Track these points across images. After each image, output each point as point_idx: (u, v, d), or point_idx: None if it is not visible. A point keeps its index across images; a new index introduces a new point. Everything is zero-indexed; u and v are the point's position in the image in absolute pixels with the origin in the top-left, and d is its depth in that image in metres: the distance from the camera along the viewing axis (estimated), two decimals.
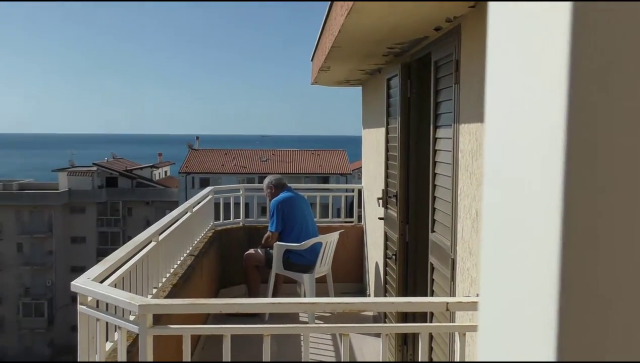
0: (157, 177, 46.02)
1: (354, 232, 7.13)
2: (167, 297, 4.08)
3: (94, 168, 42.77)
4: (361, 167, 7.75)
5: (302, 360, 2.76)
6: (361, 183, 7.47)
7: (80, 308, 2.83)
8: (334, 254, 6.10)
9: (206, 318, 5.14)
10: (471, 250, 2.99)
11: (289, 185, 6.34)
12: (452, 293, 3.27)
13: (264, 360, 2.65)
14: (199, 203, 5.89)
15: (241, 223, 7.07)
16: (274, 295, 5.91)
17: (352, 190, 7.74)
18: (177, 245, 4.80)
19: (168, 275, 4.44)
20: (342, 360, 2.71)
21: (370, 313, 5.79)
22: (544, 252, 0.40)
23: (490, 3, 0.48)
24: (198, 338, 4.93)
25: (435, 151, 3.68)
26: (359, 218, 7.33)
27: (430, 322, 3.59)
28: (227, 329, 2.68)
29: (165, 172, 49.20)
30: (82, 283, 2.82)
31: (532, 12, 0.43)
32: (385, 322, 4.95)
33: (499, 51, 0.47)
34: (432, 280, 3.77)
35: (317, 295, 5.69)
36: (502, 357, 0.46)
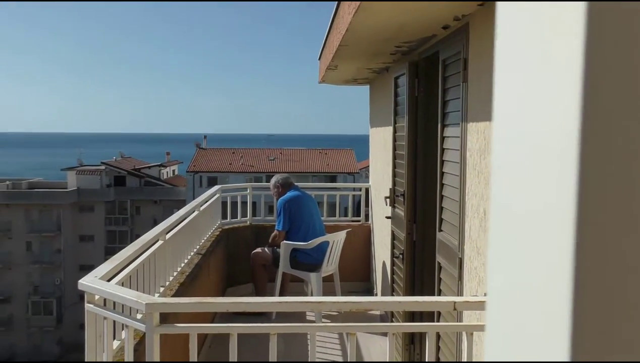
0: (165, 176, 46.17)
1: (361, 231, 7.12)
2: (174, 295, 4.09)
3: (103, 167, 42.96)
4: (369, 166, 7.74)
5: (309, 359, 2.75)
6: (369, 182, 7.45)
7: (88, 306, 2.83)
8: (341, 253, 6.09)
9: (213, 317, 5.15)
10: (479, 249, 2.97)
11: (296, 184, 6.33)
12: (460, 293, 3.26)
13: (270, 359, 2.65)
14: (206, 202, 5.90)
15: (248, 222, 7.07)
16: (280, 294, 5.91)
17: (360, 189, 7.73)
18: (185, 244, 4.81)
19: (175, 273, 4.44)
20: (349, 360, 2.71)
21: (377, 313, 5.78)
22: (558, 251, 0.40)
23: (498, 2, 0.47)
24: (205, 337, 4.94)
25: (443, 150, 3.67)
26: (366, 217, 7.32)
27: (438, 321, 3.58)
28: (234, 328, 2.68)
29: (173, 171, 49.35)
30: (90, 282, 2.82)
31: (543, 9, 0.42)
32: (392, 321, 4.94)
33: (508, 48, 0.47)
34: (440, 279, 3.75)
35: (324, 294, 5.69)
36: (511, 357, 0.45)
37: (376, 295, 6.50)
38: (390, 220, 5.30)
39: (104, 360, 2.84)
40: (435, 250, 3.82)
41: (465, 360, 2.68)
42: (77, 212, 40.98)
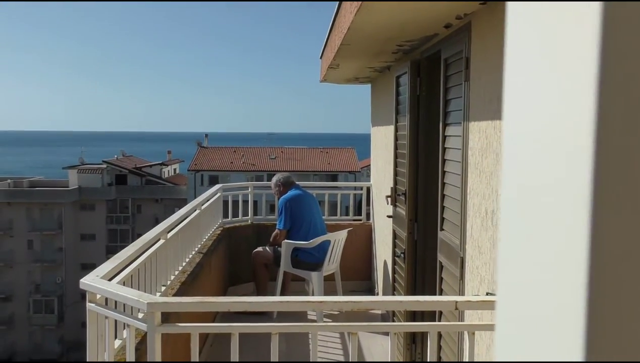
0: (166, 175, 46.20)
1: (362, 230, 7.11)
2: (175, 294, 4.08)
3: (104, 165, 43.00)
4: (370, 165, 7.73)
5: (310, 359, 2.75)
6: (370, 181, 7.45)
7: (89, 306, 2.83)
8: (342, 252, 6.09)
9: (214, 316, 5.15)
10: (480, 248, 2.97)
11: (297, 183, 6.33)
12: (461, 292, 3.25)
13: (272, 359, 2.64)
14: (207, 201, 5.89)
15: (250, 221, 7.07)
16: (282, 293, 5.91)
17: (361, 188, 7.73)
18: (186, 243, 4.81)
19: (177, 272, 4.44)
20: (350, 359, 2.70)
21: (379, 312, 5.78)
22: (571, 248, 0.39)
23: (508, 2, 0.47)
24: (206, 336, 4.94)
25: (444, 149, 3.66)
26: (368, 216, 7.31)
27: (439, 320, 3.58)
28: (235, 327, 2.67)
29: (175, 169, 49.38)
30: (91, 281, 2.82)
31: (557, 8, 0.41)
32: (393, 321, 4.94)
33: (519, 47, 0.46)
34: (441, 278, 3.75)
35: (326, 293, 5.68)
36: (522, 357, 0.45)
37: (377, 294, 6.50)
38: (391, 219, 5.30)
39: (106, 359, 2.84)
40: (437, 250, 3.81)
41: (467, 359, 2.68)
42: (78, 211, 41.03)
